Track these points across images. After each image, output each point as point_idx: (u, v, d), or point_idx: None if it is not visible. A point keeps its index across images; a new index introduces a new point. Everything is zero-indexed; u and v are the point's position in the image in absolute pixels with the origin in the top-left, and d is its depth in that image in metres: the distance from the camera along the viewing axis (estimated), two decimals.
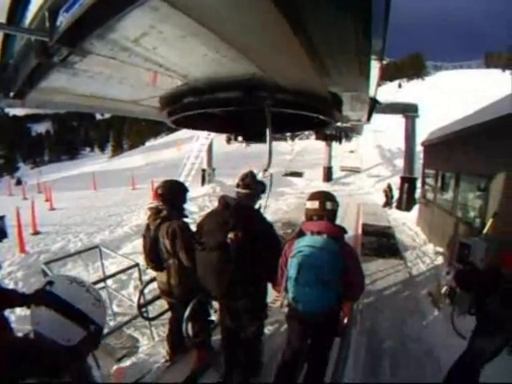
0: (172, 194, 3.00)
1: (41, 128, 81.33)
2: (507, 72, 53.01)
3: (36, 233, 7.98)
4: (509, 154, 4.21)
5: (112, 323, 4.11)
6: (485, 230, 4.30)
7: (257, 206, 2.77)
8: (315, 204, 2.37)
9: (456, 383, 2.71)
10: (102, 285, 4.12)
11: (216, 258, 2.40)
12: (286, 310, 2.50)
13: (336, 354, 2.84)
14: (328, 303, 2.25)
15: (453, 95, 40.89)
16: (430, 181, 8.76)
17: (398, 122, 13.43)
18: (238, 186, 2.69)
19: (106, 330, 3.46)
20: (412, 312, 4.47)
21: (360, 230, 6.39)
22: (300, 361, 2.64)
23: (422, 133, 10.33)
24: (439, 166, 7.78)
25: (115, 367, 3.26)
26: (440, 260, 6.30)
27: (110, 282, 4.76)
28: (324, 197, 2.41)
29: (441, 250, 6.65)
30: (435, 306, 4.55)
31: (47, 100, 2.75)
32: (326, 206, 2.35)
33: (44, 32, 1.49)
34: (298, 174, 17.26)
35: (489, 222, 4.31)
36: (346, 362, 2.89)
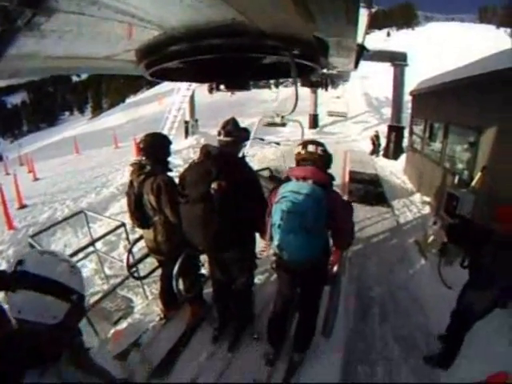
0: (155, 148, 2.87)
1: (16, 99, 77.40)
2: (501, 29, 51.73)
3: (22, 206, 7.76)
4: (501, 109, 4.16)
5: (105, 286, 4.14)
6: (473, 183, 4.33)
7: (240, 154, 2.68)
8: (302, 149, 2.30)
9: (450, 338, 2.83)
10: (91, 249, 4.09)
11: (200, 210, 2.32)
12: (273, 258, 2.48)
13: (326, 302, 2.88)
14: (313, 251, 2.21)
15: (444, 47, 40.09)
16: (417, 130, 8.70)
17: (385, 70, 13.11)
18: (219, 134, 2.55)
19: (99, 295, 3.50)
20: (399, 260, 4.60)
21: (347, 177, 6.39)
22: (290, 310, 2.69)
23: (411, 82, 10.14)
24: (428, 115, 7.71)
25: (112, 330, 3.28)
26: (427, 209, 6.42)
27: (99, 245, 4.74)
28: (313, 143, 2.32)
29: (428, 199, 6.75)
30: (422, 254, 4.68)
31: (18, 68, 2.49)
32: (308, 149, 2.28)
33: None
34: (281, 125, 16.76)
35: (477, 176, 4.33)
36: (337, 310, 2.95)
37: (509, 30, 48.82)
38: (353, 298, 3.68)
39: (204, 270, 3.31)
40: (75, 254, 3.22)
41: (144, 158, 2.87)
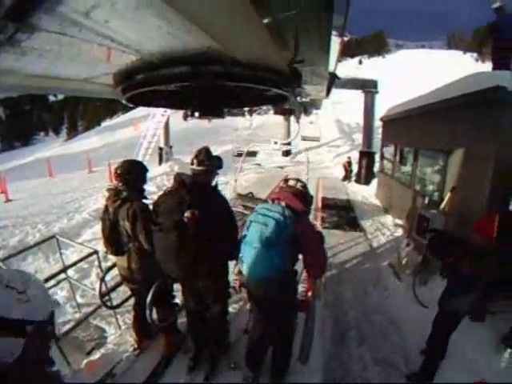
0: (131, 174, 2.87)
1: None
2: (468, 54, 55.05)
3: None
4: (468, 131, 4.38)
5: (77, 315, 3.98)
6: (443, 204, 4.47)
7: (214, 183, 2.68)
8: (284, 183, 2.51)
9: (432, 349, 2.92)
10: (63, 276, 3.96)
11: (174, 239, 2.30)
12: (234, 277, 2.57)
13: (302, 328, 2.89)
14: (271, 268, 2.22)
15: (413, 74, 42.17)
16: (388, 155, 9.00)
17: (356, 96, 13.65)
18: (192, 163, 2.58)
19: (71, 324, 3.37)
20: (374, 283, 4.67)
21: (320, 204, 6.52)
22: (267, 335, 2.66)
23: (381, 109, 10.54)
24: (398, 140, 8.01)
25: (85, 361, 3.16)
26: (400, 232, 6.58)
27: (71, 272, 4.58)
28: (295, 179, 2.52)
29: (400, 222, 6.93)
30: (396, 276, 4.77)
31: None
32: (289, 183, 2.47)
33: None
34: (252, 154, 16.11)
35: (447, 196, 4.49)
36: (313, 336, 2.96)
37: (475, 54, 52.06)
38: (329, 322, 3.70)
39: (178, 299, 3.26)
40: (46, 281, 3.10)
41: (120, 184, 2.85)
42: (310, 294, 2.78)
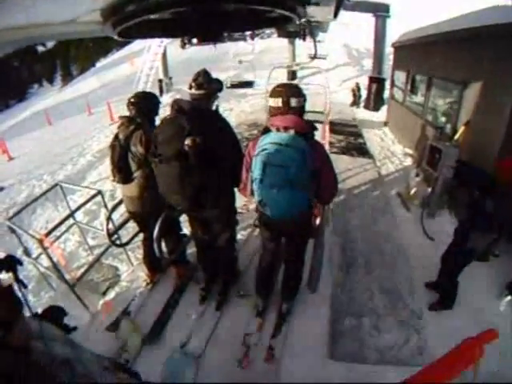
0: (145, 104, 2.84)
1: None
2: None
3: None
4: (488, 64, 4.04)
5: (90, 258, 4.08)
6: (456, 137, 4.27)
7: (214, 107, 2.52)
8: (278, 102, 2.08)
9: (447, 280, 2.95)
10: (72, 222, 3.98)
11: (176, 169, 2.20)
12: (255, 213, 2.43)
13: (311, 255, 2.89)
14: (297, 206, 2.11)
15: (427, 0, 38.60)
16: (399, 83, 8.50)
17: (366, 20, 12.66)
18: (190, 87, 2.40)
19: (85, 267, 3.45)
20: (382, 212, 4.62)
21: (327, 128, 6.28)
22: (276, 263, 2.69)
23: (393, 34, 9.83)
24: (411, 68, 7.51)
25: (101, 302, 3.26)
26: (409, 161, 6.39)
27: (81, 216, 4.62)
28: (288, 91, 2.11)
29: (409, 151, 6.73)
30: (404, 206, 4.73)
31: None
32: (290, 103, 2.07)
33: None
34: (247, 84, 15.69)
35: (460, 129, 4.27)
36: (322, 263, 2.97)
37: None
38: (337, 250, 3.71)
39: (185, 230, 3.24)
40: (52, 231, 3.09)
41: (133, 112, 2.81)
42: (318, 220, 2.71)
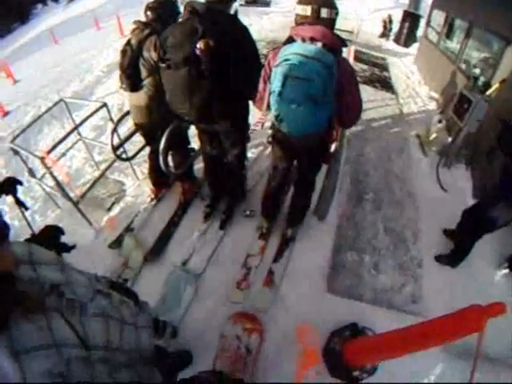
0: (165, 10, 2.58)
1: None
2: None
3: (5, 114, 7.12)
4: None
5: (96, 173, 3.98)
6: (488, 92, 3.96)
7: (233, 11, 2.23)
8: (307, 9, 1.81)
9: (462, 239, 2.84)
10: (77, 137, 3.85)
11: (185, 75, 2.00)
12: (269, 131, 2.25)
13: (322, 180, 2.78)
14: (317, 125, 1.93)
15: None
16: (436, 23, 7.77)
17: None
18: None
19: (91, 182, 3.39)
20: (399, 150, 4.45)
21: (352, 54, 5.84)
22: (285, 185, 2.60)
23: None
24: (451, 9, 6.82)
25: (105, 218, 3.24)
26: (433, 105, 6.05)
27: (87, 131, 4.50)
28: (331, 2, 1.83)
29: (436, 95, 6.34)
30: (422, 150, 4.54)
31: None
32: (321, 12, 1.80)
33: None
34: (264, 3, 14.02)
35: (495, 86, 3.95)
36: (334, 193, 2.88)
37: None
38: (348, 180, 3.61)
39: (194, 144, 3.11)
40: (56, 145, 2.95)
41: (150, 17, 2.58)
42: (334, 146, 2.56)
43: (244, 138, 2.60)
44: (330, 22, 1.85)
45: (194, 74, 2.00)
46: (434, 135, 4.60)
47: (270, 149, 2.93)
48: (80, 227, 3.05)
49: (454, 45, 6.31)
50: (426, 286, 2.74)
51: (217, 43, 1.93)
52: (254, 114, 2.66)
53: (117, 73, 2.76)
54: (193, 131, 2.85)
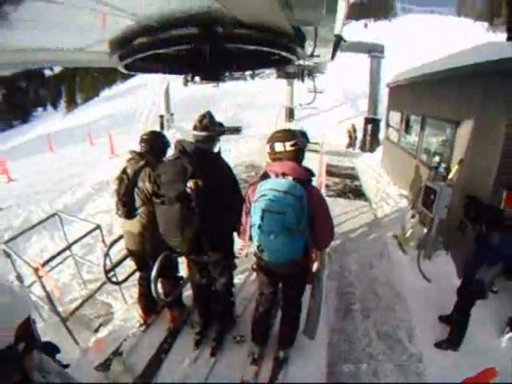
0: (156, 144, 2.96)
1: None
2: (478, 23, 52.77)
3: None
4: (478, 103, 4.17)
5: (84, 292, 4.03)
6: (450, 176, 4.35)
7: (216, 150, 2.57)
8: (280, 146, 2.14)
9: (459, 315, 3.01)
10: (68, 253, 3.95)
11: (177, 211, 2.22)
12: (253, 257, 2.42)
13: (308, 301, 2.87)
14: (294, 252, 2.14)
15: (421, 40, 40.61)
16: (394, 123, 8.73)
17: (362, 61, 13.18)
18: (195, 128, 2.47)
19: (79, 301, 3.40)
20: (379, 255, 4.63)
21: (323, 171, 6.36)
22: (273, 309, 2.67)
23: (387, 74, 10.18)
24: (404, 108, 7.74)
25: (93, 339, 3.19)
26: (404, 203, 6.46)
27: (76, 248, 4.58)
28: (287, 136, 2.17)
29: (405, 192, 6.80)
30: (401, 248, 4.73)
31: None
32: (286, 147, 2.13)
33: None
34: (236, 130, 15.67)
35: (454, 168, 4.34)
36: (320, 310, 2.94)
37: (486, 24, 49.92)
38: (334, 294, 3.69)
39: (182, 272, 3.22)
40: (48, 261, 3.10)
41: (144, 149, 2.91)
42: (316, 265, 2.72)
43: (231, 267, 2.75)
44: (299, 153, 2.19)
45: (185, 210, 2.21)
46: (409, 231, 4.83)
47: (255, 274, 3.06)
48: (65, 344, 2.95)
49: (412, 139, 6.96)
50: (431, 377, 2.74)
51: (205, 183, 2.20)
52: (238, 243, 2.85)
53: (107, 192, 2.99)
54: (181, 259, 2.99)
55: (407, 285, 3.94)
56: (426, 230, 4.40)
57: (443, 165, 5.00)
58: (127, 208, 2.82)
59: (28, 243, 5.55)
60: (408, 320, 3.41)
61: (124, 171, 2.84)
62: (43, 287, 2.90)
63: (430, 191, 4.25)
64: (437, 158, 5.41)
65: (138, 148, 2.98)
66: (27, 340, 0.94)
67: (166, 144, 3.05)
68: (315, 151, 10.57)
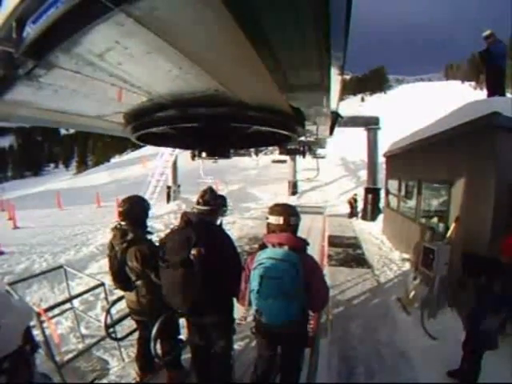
0: (135, 212, 2.93)
1: (4, 142, 77.11)
2: (466, 83, 56.71)
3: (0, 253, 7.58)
4: (468, 161, 4.44)
5: (80, 346, 3.97)
6: (448, 234, 4.48)
7: (219, 222, 2.76)
8: (279, 220, 2.35)
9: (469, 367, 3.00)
10: (68, 306, 3.97)
11: (180, 275, 2.36)
12: (252, 323, 2.49)
13: (307, 364, 2.83)
14: (290, 314, 2.24)
15: (414, 107, 43.09)
16: (393, 190, 9.05)
17: (360, 133, 13.94)
18: (198, 203, 2.67)
19: (74, 353, 3.34)
20: (382, 318, 4.57)
21: (326, 242, 6.48)
22: (272, 372, 2.63)
23: (385, 144, 10.70)
24: (401, 175, 8.08)
25: None
26: (407, 266, 6.51)
27: (76, 303, 4.58)
28: (286, 212, 2.39)
29: (407, 256, 6.87)
30: (405, 310, 4.69)
31: (11, 113, 2.66)
32: (289, 221, 2.35)
33: (10, 43, 1.46)
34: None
35: (452, 226, 4.49)
36: (317, 370, 2.89)
37: (473, 83, 53.32)
38: (336, 359, 3.59)
39: (182, 335, 3.23)
40: (51, 309, 3.16)
41: (124, 222, 2.90)
42: (313, 328, 2.74)
43: (230, 331, 2.77)
44: (295, 227, 2.40)
45: (188, 274, 2.35)
46: (412, 293, 4.80)
47: (255, 341, 3.08)
48: None
49: (410, 204, 7.18)
50: None
51: (207, 251, 2.36)
52: (238, 310, 2.90)
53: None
54: (182, 322, 3.02)
55: (412, 344, 3.87)
56: (428, 289, 4.40)
57: (441, 224, 5.13)
58: (123, 284, 2.92)
59: (28, 290, 5.57)
60: (415, 379, 3.32)
61: (112, 248, 2.90)
62: (43, 332, 2.91)
63: (428, 251, 4.36)
64: (434, 219, 5.57)
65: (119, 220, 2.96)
66: (31, 342, 1.14)
67: (145, 209, 3.04)
68: (320, 213, 11.03)
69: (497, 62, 5.75)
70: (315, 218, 10.54)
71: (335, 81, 2.18)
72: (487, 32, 5.78)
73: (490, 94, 5.72)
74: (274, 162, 14.82)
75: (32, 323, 3.13)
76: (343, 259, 7.58)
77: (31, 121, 3.59)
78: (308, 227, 8.84)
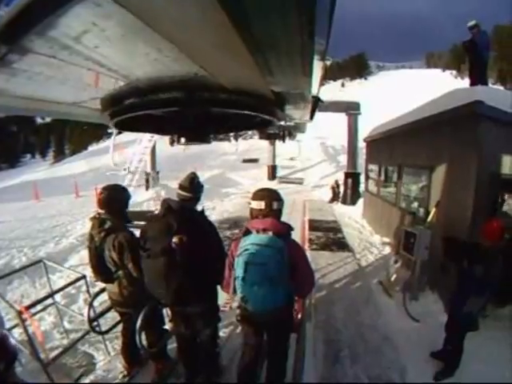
0: (114, 201, 2.88)
1: None
2: (447, 72, 57.62)
3: None
4: (449, 147, 4.52)
5: (65, 341, 3.91)
6: (429, 219, 4.58)
7: (200, 208, 2.73)
8: (261, 204, 2.33)
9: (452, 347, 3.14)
10: (50, 301, 3.87)
11: (162, 264, 2.32)
12: (237, 311, 2.47)
13: (294, 349, 2.87)
14: (277, 301, 2.24)
15: (394, 94, 43.55)
16: (373, 175, 9.16)
17: (340, 118, 14.03)
18: (181, 187, 2.63)
19: (59, 349, 3.28)
20: (365, 302, 4.66)
21: (307, 226, 6.52)
22: (259, 359, 2.65)
23: (365, 130, 10.79)
24: (382, 160, 8.17)
25: None
26: (387, 250, 6.64)
27: (58, 297, 4.48)
28: (269, 196, 2.37)
29: (387, 240, 7.00)
30: (387, 294, 4.81)
31: None
32: (272, 206, 2.33)
33: None
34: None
35: (432, 211, 4.60)
36: (304, 355, 2.94)
37: (454, 71, 54.33)
38: (321, 343, 3.65)
39: (167, 325, 3.20)
40: (33, 305, 3.07)
41: (103, 212, 2.86)
42: (299, 315, 2.77)
43: (215, 319, 2.78)
44: (279, 212, 2.37)
45: (169, 264, 2.31)
46: (394, 276, 4.93)
47: (240, 327, 3.08)
48: None
49: (391, 189, 7.31)
50: None
51: (189, 238, 2.32)
52: (222, 297, 2.89)
53: None
54: (166, 312, 3.02)
55: (395, 327, 3.97)
56: (409, 273, 4.52)
57: (422, 209, 5.24)
58: (103, 276, 2.87)
59: (9, 287, 5.45)
60: (398, 360, 3.41)
61: (91, 239, 2.86)
62: (26, 331, 2.84)
63: (409, 235, 4.47)
64: (415, 204, 5.68)
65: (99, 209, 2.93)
66: (6, 356, 1.00)
67: (125, 198, 3.02)
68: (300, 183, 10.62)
69: (480, 53, 5.87)
70: (295, 201, 10.58)
71: (317, 66, 2.14)
72: (472, 22, 5.88)
73: (472, 83, 5.86)
74: (245, 161, 14.78)
75: (14, 322, 3.09)
76: (324, 243, 7.64)
77: (5, 110, 3.41)
78: (288, 212, 8.83)
